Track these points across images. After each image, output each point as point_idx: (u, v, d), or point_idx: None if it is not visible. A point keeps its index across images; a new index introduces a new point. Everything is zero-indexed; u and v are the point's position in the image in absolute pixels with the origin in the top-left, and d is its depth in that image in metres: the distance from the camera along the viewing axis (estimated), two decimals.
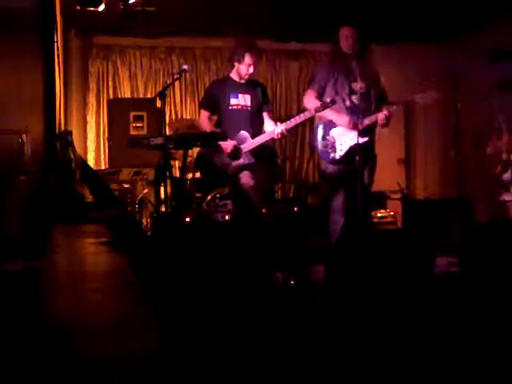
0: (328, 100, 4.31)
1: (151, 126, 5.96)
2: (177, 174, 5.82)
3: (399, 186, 6.83)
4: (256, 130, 4.60)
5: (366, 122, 4.34)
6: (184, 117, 7.47)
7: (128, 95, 7.36)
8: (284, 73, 7.84)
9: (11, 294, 1.88)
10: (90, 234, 3.01)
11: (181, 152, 4.08)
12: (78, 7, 5.52)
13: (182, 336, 2.22)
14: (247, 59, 4.51)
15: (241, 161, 4.48)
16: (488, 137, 5.35)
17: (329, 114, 4.43)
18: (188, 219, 3.98)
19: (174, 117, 7.41)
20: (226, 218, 4.05)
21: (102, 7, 5.46)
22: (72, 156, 4.16)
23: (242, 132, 4.51)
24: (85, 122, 7.30)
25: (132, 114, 6.08)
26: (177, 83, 5.92)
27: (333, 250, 4.12)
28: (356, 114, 4.36)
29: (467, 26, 6.83)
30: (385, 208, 6.74)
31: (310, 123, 6.66)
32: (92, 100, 7.34)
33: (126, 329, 1.56)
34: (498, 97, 5.10)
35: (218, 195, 4.14)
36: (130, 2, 5.59)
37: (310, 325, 2.89)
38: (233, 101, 4.60)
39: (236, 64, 4.59)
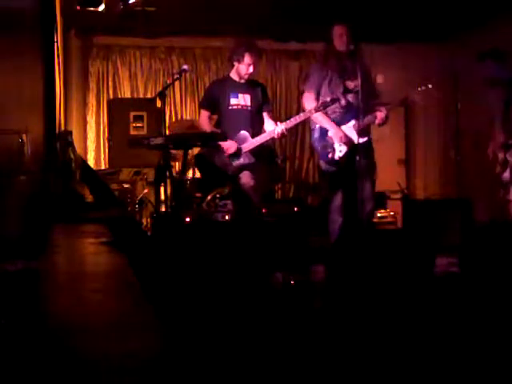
0: (328, 99, 4.30)
1: (151, 125, 5.96)
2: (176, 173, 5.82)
3: (399, 186, 6.83)
4: (256, 129, 4.60)
5: (366, 121, 4.35)
6: (184, 117, 7.48)
7: (128, 95, 7.36)
8: (284, 73, 7.84)
9: (11, 293, 1.88)
10: (90, 234, 3.01)
11: (181, 152, 4.09)
12: (78, 7, 5.52)
13: (182, 336, 2.22)
14: (247, 59, 4.51)
15: (241, 161, 4.48)
16: (488, 137, 5.35)
17: (325, 122, 4.43)
18: (188, 219, 3.97)
19: (173, 118, 7.41)
20: (226, 218, 4.05)
21: (102, 7, 5.46)
22: (72, 156, 4.16)
23: (242, 132, 4.51)
24: (85, 122, 7.31)
25: (132, 113, 6.08)
26: (177, 83, 5.92)
27: (332, 249, 4.12)
28: (352, 112, 4.36)
29: (467, 26, 6.83)
30: (385, 208, 6.74)
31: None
32: (92, 100, 7.34)
33: (126, 329, 1.56)
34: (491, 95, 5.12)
35: (218, 195, 4.14)
36: (130, 1, 5.59)
37: (310, 325, 2.89)
38: (233, 101, 4.60)
39: (236, 64, 4.59)
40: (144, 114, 6.08)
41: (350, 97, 4.41)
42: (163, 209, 4.41)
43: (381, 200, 6.62)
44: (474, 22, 6.67)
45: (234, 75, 4.65)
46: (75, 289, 2.01)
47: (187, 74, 6.94)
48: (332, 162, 4.44)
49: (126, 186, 5.70)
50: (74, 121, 6.97)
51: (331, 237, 4.38)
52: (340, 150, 4.40)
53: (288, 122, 4.47)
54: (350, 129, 4.42)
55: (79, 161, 4.37)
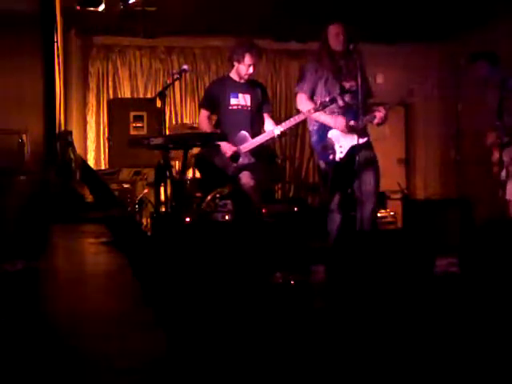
0: (327, 99, 4.30)
1: (151, 126, 5.95)
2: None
3: (399, 186, 6.83)
4: (256, 129, 4.61)
5: (365, 121, 4.34)
6: (184, 117, 7.49)
7: (128, 95, 7.36)
8: (284, 73, 7.84)
9: (11, 294, 1.88)
10: (90, 234, 3.01)
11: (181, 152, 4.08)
12: (78, 7, 5.52)
13: (182, 336, 2.22)
14: (247, 59, 4.51)
15: (241, 161, 4.48)
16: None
17: (324, 117, 4.41)
18: (188, 219, 3.97)
19: (173, 119, 7.42)
20: (226, 218, 4.05)
21: (102, 7, 5.46)
22: (72, 156, 4.16)
23: (242, 132, 4.51)
24: (85, 122, 7.31)
25: (132, 113, 6.08)
26: (177, 83, 5.90)
27: (332, 249, 4.12)
28: (351, 113, 4.36)
29: (468, 26, 6.83)
30: (385, 208, 6.74)
31: None
32: (92, 100, 7.34)
33: (126, 329, 1.56)
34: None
35: (218, 195, 4.14)
36: (130, 1, 5.59)
37: (310, 325, 2.89)
38: (233, 101, 4.60)
39: (236, 64, 4.59)
40: (144, 114, 6.07)
41: (347, 97, 4.40)
42: (163, 209, 4.41)
43: (381, 200, 6.62)
44: (474, 22, 6.67)
45: (233, 75, 4.65)
46: (75, 289, 2.01)
47: (187, 74, 6.94)
48: (332, 162, 4.43)
49: (125, 186, 5.70)
50: (74, 121, 6.96)
51: (330, 236, 4.38)
52: (341, 151, 4.39)
53: (287, 122, 4.47)
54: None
55: (79, 161, 4.36)
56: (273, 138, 4.55)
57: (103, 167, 6.96)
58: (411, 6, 6.22)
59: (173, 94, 7.36)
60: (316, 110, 4.31)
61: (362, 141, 4.30)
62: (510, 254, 3.53)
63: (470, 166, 6.26)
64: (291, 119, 4.48)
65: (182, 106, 7.53)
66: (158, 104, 4.06)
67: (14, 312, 1.67)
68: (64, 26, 5.86)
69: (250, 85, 4.68)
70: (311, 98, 4.46)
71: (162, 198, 4.32)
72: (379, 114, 4.37)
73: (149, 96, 7.25)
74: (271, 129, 4.51)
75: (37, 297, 1.89)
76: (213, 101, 4.65)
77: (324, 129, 4.44)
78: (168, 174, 3.90)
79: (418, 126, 8.19)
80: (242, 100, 4.62)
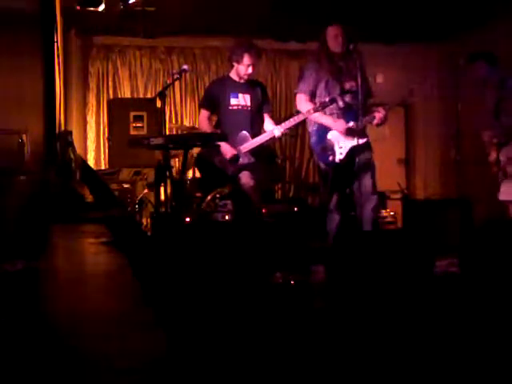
0: (327, 99, 4.29)
1: (151, 126, 5.95)
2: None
3: (399, 186, 6.83)
4: (256, 129, 4.61)
5: (365, 122, 4.34)
6: (184, 118, 7.49)
7: (128, 95, 7.36)
8: (284, 73, 7.84)
9: (11, 294, 1.88)
10: (90, 234, 3.01)
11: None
12: (78, 7, 5.52)
13: (182, 336, 2.22)
14: (246, 60, 4.51)
15: (241, 161, 4.48)
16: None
17: (324, 119, 4.41)
18: (188, 219, 3.97)
19: (173, 119, 7.42)
20: (226, 218, 4.05)
21: (102, 7, 5.46)
22: (72, 156, 4.16)
23: (243, 132, 4.51)
24: (85, 122, 7.30)
25: (132, 113, 6.08)
26: (177, 83, 5.91)
27: (331, 249, 4.12)
28: (351, 114, 4.36)
29: (467, 26, 6.83)
30: (385, 208, 6.73)
31: None
32: (92, 100, 7.34)
33: (126, 329, 1.56)
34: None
35: (218, 195, 4.14)
36: (130, 1, 5.59)
37: (310, 325, 2.89)
38: (233, 101, 4.61)
39: (235, 64, 4.59)
40: (144, 114, 6.07)
41: (348, 98, 4.40)
42: (163, 209, 4.41)
43: (381, 200, 6.62)
44: (473, 23, 6.66)
45: (233, 75, 4.65)
46: (75, 289, 2.01)
47: (187, 74, 6.94)
48: (332, 164, 4.43)
49: (125, 186, 5.70)
50: (74, 121, 6.96)
51: (330, 236, 4.38)
52: (340, 153, 4.38)
53: (287, 122, 4.47)
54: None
55: (79, 161, 4.36)
56: (273, 138, 4.55)
57: (103, 167, 6.96)
58: (410, 6, 6.22)
59: (173, 93, 7.36)
60: (316, 111, 4.30)
61: (361, 141, 4.30)
62: (509, 253, 3.54)
63: (470, 166, 6.25)
64: (291, 119, 4.48)
65: (181, 105, 7.53)
66: (158, 104, 4.06)
67: (14, 312, 1.67)
68: (64, 26, 5.86)
69: (250, 85, 4.69)
70: (311, 98, 4.45)
71: (162, 197, 4.32)
72: (379, 115, 4.37)
73: (149, 96, 7.25)
74: (271, 129, 4.52)
75: (37, 297, 1.89)
76: (213, 101, 4.65)
77: (324, 130, 4.44)
78: (168, 173, 3.90)
79: (417, 126, 8.19)
80: (242, 100, 4.62)
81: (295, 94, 4.62)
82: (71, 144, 4.33)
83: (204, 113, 4.69)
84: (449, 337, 2.69)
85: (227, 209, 4.08)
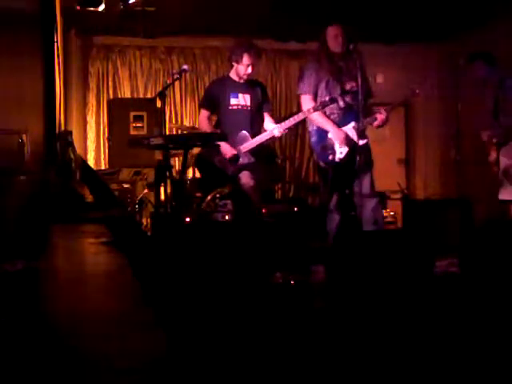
0: (327, 99, 4.29)
1: (151, 126, 5.96)
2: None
3: (399, 186, 6.83)
4: (256, 129, 4.61)
5: (366, 123, 4.34)
6: (184, 118, 7.49)
7: (128, 95, 7.36)
8: (284, 73, 7.84)
9: (11, 294, 1.88)
10: (90, 234, 3.01)
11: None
12: (78, 7, 5.52)
13: (182, 336, 2.22)
14: (245, 60, 4.51)
15: (241, 160, 4.49)
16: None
17: (325, 123, 4.39)
18: (188, 219, 3.97)
19: (173, 120, 7.42)
20: (226, 218, 4.05)
21: (102, 7, 5.46)
22: (72, 156, 4.16)
23: (243, 132, 4.52)
24: (85, 122, 7.30)
25: (132, 113, 6.08)
26: (177, 83, 5.92)
27: (331, 249, 4.12)
28: (352, 114, 4.35)
29: (467, 26, 6.83)
30: (385, 208, 6.73)
31: None
32: (92, 100, 7.34)
33: (126, 329, 1.56)
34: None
35: (218, 195, 4.14)
36: (130, 1, 5.59)
37: (310, 325, 2.89)
38: (233, 101, 4.61)
39: (235, 64, 4.59)
40: (144, 114, 6.08)
41: (348, 98, 4.40)
42: (163, 209, 4.40)
43: (381, 200, 6.61)
44: (473, 23, 6.67)
45: (233, 75, 4.65)
46: (75, 289, 2.01)
47: (187, 74, 6.94)
48: (332, 163, 4.42)
49: (125, 186, 5.70)
50: (74, 121, 6.96)
51: (330, 236, 4.38)
52: (340, 152, 4.38)
53: (286, 122, 4.47)
54: (350, 130, 4.40)
55: (79, 161, 4.36)
56: (273, 138, 4.55)
57: (103, 167, 6.96)
58: (410, 6, 6.22)
59: (173, 93, 7.36)
60: (316, 110, 4.30)
61: (361, 142, 4.30)
62: (509, 253, 3.54)
63: (470, 166, 6.25)
64: (291, 119, 4.48)
65: (182, 105, 7.53)
66: (158, 104, 4.06)
67: (14, 312, 1.67)
68: (64, 26, 5.86)
69: (250, 84, 4.69)
70: (314, 98, 4.45)
71: (162, 197, 4.32)
72: (380, 116, 4.37)
73: (149, 96, 7.25)
74: (271, 128, 4.52)
75: (37, 297, 1.89)
76: (213, 101, 4.65)
77: (323, 130, 4.44)
78: (168, 173, 3.90)
79: (417, 126, 8.19)
80: (241, 100, 4.62)
81: (299, 95, 4.60)
82: (71, 144, 4.33)
83: (204, 113, 4.69)
84: (449, 337, 2.69)
85: (227, 209, 4.08)
